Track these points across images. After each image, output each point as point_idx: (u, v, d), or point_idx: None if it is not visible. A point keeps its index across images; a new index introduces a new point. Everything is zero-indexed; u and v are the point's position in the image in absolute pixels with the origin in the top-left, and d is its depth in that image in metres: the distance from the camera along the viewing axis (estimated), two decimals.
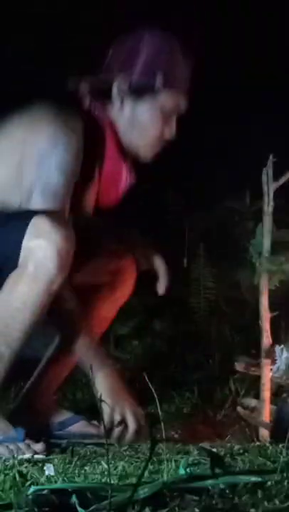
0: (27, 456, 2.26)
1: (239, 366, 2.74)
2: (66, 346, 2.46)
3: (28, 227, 2.28)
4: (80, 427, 2.65)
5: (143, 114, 2.47)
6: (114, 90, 2.46)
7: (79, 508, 1.59)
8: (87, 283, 2.63)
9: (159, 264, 2.69)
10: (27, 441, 2.35)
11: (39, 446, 2.34)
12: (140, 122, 2.48)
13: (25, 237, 2.27)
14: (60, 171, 2.36)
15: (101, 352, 2.44)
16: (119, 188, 2.57)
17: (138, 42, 2.47)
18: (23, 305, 2.29)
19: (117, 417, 2.36)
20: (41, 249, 2.26)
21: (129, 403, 2.39)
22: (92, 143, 2.42)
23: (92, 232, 2.56)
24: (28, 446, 2.32)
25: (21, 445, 2.32)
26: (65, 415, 2.68)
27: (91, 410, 2.73)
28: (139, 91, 2.45)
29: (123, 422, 2.37)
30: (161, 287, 2.67)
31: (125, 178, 2.55)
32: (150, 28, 2.50)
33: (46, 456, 2.29)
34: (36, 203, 2.34)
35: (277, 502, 1.65)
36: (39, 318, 2.33)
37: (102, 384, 2.35)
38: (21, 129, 2.40)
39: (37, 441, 2.35)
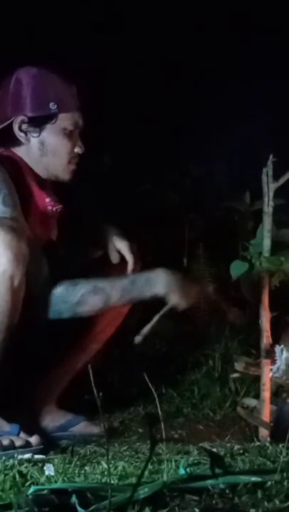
0: (27, 455, 2.26)
1: (239, 366, 2.74)
2: None
3: None
4: (81, 427, 2.66)
5: (49, 140, 2.61)
6: (16, 129, 2.59)
7: (79, 508, 1.59)
8: None
9: (122, 245, 2.71)
10: (21, 435, 2.37)
11: (34, 439, 2.35)
12: (49, 147, 2.62)
13: None
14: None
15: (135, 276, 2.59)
16: (48, 220, 2.63)
17: (21, 81, 2.61)
18: None
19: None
20: None
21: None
22: (16, 183, 2.51)
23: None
24: (21, 438, 2.34)
25: (14, 438, 2.33)
26: (66, 417, 2.68)
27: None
28: (39, 122, 2.60)
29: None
30: (129, 265, 2.69)
31: (51, 209, 2.63)
32: (27, 66, 2.64)
33: (46, 456, 2.29)
34: None
35: (277, 502, 1.65)
36: (12, 317, 2.37)
37: (164, 282, 2.55)
38: None
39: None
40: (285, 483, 1.76)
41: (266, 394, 2.60)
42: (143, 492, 1.63)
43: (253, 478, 1.76)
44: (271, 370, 2.58)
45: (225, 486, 1.71)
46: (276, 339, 2.61)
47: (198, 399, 3.02)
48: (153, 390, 2.09)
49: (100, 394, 2.30)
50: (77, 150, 2.64)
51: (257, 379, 2.68)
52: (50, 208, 2.61)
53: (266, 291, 2.60)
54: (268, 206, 2.60)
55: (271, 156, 2.58)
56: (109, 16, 4.33)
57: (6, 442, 2.33)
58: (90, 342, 2.69)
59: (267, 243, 2.60)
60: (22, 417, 2.49)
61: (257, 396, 2.68)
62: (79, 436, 2.59)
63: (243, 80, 4.19)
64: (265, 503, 1.65)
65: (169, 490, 1.68)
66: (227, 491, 1.70)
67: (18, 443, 2.34)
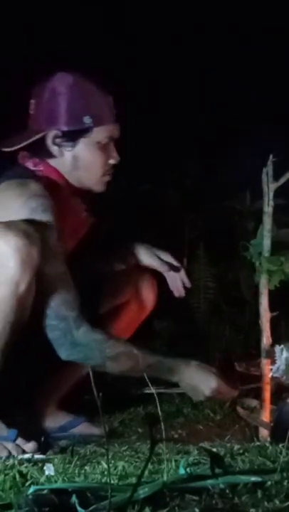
0: (26, 456, 2.26)
1: (239, 366, 2.74)
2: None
3: None
4: (82, 428, 2.65)
5: (83, 154, 2.54)
6: (49, 142, 2.52)
7: (79, 508, 1.59)
8: (109, 305, 2.70)
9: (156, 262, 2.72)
10: (18, 440, 2.35)
11: (30, 445, 2.34)
12: (82, 162, 2.54)
13: None
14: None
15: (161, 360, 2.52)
16: (79, 233, 2.62)
17: (56, 91, 2.51)
18: None
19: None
20: None
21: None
22: (52, 197, 2.45)
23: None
24: (18, 446, 2.32)
25: (10, 445, 2.32)
26: (66, 418, 2.68)
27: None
28: (73, 137, 2.52)
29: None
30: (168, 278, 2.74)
31: (84, 222, 2.62)
32: (63, 74, 2.54)
33: (46, 456, 2.29)
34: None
35: (277, 502, 1.65)
36: (16, 324, 2.31)
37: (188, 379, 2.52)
38: None
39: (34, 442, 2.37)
40: (285, 483, 1.76)
41: (266, 394, 2.60)
42: (143, 492, 1.63)
43: (253, 478, 1.75)
44: (271, 370, 2.58)
45: (225, 486, 1.71)
46: (276, 339, 2.61)
47: None
48: (153, 390, 2.09)
49: (100, 394, 2.30)
50: (111, 161, 2.57)
51: (257, 379, 2.67)
52: (85, 220, 2.60)
53: (266, 291, 2.60)
54: (268, 206, 2.60)
55: (271, 156, 2.58)
56: (109, 17, 4.33)
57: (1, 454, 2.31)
58: None
59: (267, 243, 2.59)
60: (23, 419, 2.49)
61: (257, 396, 2.68)
62: (79, 436, 2.59)
63: (244, 80, 4.20)
64: (265, 503, 1.64)
65: (169, 490, 1.68)
66: (227, 491, 1.70)
67: (13, 452, 2.31)
